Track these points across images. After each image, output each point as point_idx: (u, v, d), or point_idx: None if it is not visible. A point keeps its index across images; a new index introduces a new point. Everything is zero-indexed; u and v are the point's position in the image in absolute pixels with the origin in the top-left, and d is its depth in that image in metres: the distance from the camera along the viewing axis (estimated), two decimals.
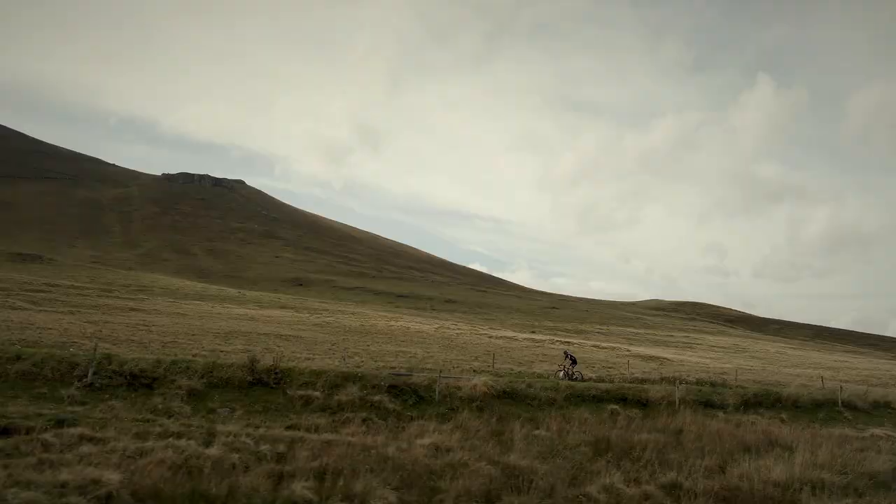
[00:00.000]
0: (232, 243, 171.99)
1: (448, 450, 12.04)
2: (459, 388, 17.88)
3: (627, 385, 22.20)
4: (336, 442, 12.78)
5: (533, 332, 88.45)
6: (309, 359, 29.46)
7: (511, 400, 18.27)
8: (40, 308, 44.80)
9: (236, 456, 10.39)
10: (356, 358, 32.01)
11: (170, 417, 13.13)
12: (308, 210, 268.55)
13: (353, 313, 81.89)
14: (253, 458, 10.43)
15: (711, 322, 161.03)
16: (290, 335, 43.50)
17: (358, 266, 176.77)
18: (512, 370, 32.62)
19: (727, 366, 53.60)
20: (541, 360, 40.44)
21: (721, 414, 19.62)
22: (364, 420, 15.56)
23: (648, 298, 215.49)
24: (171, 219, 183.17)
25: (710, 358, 66.05)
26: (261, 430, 13.03)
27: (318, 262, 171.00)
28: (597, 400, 19.25)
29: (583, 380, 26.95)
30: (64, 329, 31.20)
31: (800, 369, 57.39)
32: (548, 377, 26.93)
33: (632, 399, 19.69)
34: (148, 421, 12.41)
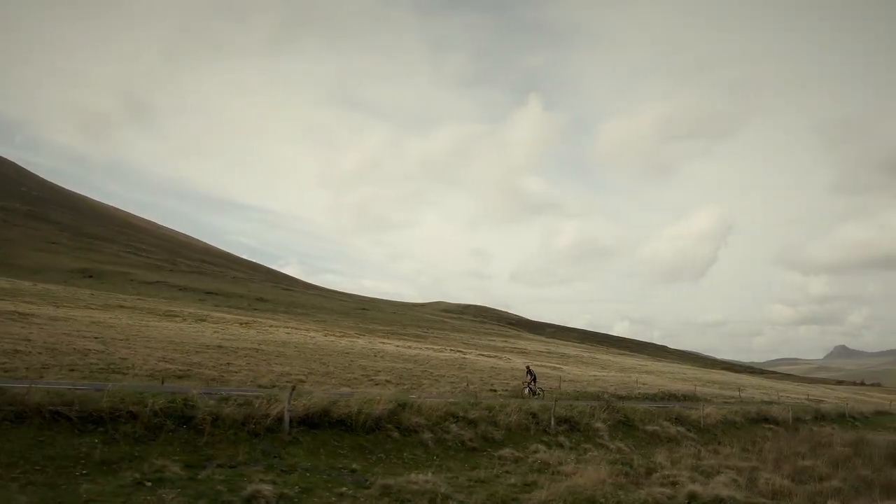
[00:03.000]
0: None
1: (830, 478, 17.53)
2: (705, 417, 23.36)
3: (764, 408, 29.42)
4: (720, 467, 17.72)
5: (386, 337, 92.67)
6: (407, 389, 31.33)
7: (729, 424, 24.25)
8: None
9: None
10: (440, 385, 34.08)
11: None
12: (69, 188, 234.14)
13: (206, 316, 77.90)
14: None
15: (499, 325, 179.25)
16: (273, 352, 42.99)
17: (149, 257, 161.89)
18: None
19: (614, 376, 64.31)
20: (511, 378, 46.01)
21: (815, 427, 27.77)
22: (693, 449, 20.37)
23: (436, 300, 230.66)
24: None
25: (579, 369, 77.22)
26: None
27: (104, 251, 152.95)
28: (755, 421, 26.09)
29: (542, 395, 28.60)
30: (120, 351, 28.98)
31: (652, 377, 70.84)
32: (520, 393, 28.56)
33: (770, 419, 26.94)
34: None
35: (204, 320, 73.02)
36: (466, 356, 67.46)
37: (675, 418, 22.46)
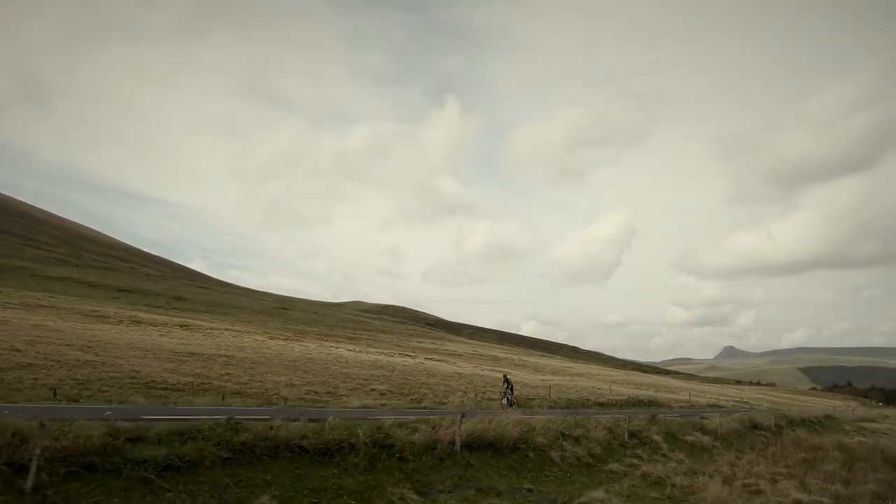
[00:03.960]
0: None
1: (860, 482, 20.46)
2: (719, 426, 26.03)
3: (753, 417, 32.52)
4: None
5: (324, 340, 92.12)
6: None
7: (735, 432, 27.06)
8: None
9: None
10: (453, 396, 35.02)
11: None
12: None
13: (137, 318, 74.79)
14: None
15: (418, 325, 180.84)
16: (246, 359, 43.01)
17: (51, 251, 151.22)
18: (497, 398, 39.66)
19: (567, 382, 67.49)
20: (484, 384, 47.85)
21: (790, 432, 31.25)
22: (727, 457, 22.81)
23: (353, 300, 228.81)
24: None
25: (523, 373, 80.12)
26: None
27: None
28: (750, 427, 29.16)
29: (517, 405, 28.27)
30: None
31: (584, 379, 74.90)
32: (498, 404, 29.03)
33: (758, 425, 30.13)
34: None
35: (139, 322, 69.90)
36: (419, 360, 68.64)
37: (700, 428, 24.93)
